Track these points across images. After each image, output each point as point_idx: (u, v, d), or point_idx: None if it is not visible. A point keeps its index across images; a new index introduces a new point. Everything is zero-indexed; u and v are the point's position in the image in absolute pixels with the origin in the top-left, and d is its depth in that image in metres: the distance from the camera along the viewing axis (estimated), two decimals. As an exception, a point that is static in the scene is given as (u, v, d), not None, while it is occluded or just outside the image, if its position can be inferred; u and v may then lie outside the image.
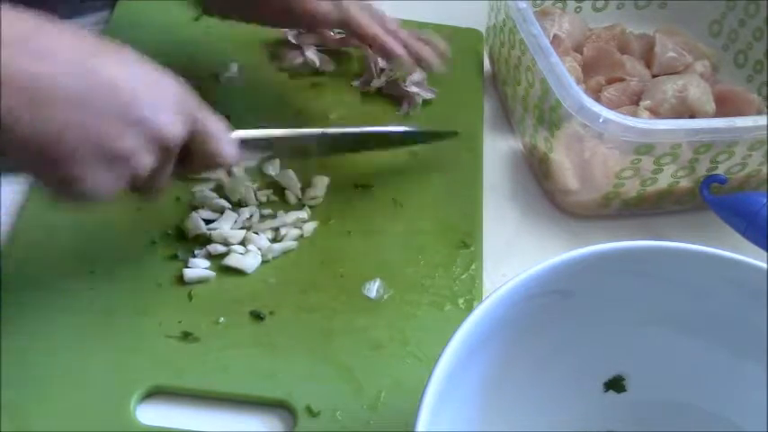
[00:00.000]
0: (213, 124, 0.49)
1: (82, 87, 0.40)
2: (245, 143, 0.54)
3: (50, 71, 0.39)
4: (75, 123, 0.40)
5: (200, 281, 0.54)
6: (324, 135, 0.59)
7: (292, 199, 0.60)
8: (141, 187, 0.47)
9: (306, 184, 0.61)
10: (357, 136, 0.62)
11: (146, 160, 0.44)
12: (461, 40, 0.76)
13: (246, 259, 0.55)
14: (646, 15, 0.79)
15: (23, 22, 0.40)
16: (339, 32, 0.71)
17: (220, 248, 0.56)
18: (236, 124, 0.52)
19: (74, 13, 0.68)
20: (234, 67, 0.68)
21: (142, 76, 0.44)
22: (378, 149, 0.63)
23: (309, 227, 0.58)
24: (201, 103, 0.48)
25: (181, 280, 0.54)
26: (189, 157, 0.49)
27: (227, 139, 0.50)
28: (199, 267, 0.55)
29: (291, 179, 0.61)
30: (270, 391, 0.49)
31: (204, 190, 0.59)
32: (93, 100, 0.41)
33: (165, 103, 0.45)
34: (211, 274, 0.55)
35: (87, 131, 0.41)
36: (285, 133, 0.58)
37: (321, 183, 0.61)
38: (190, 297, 0.53)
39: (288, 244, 0.57)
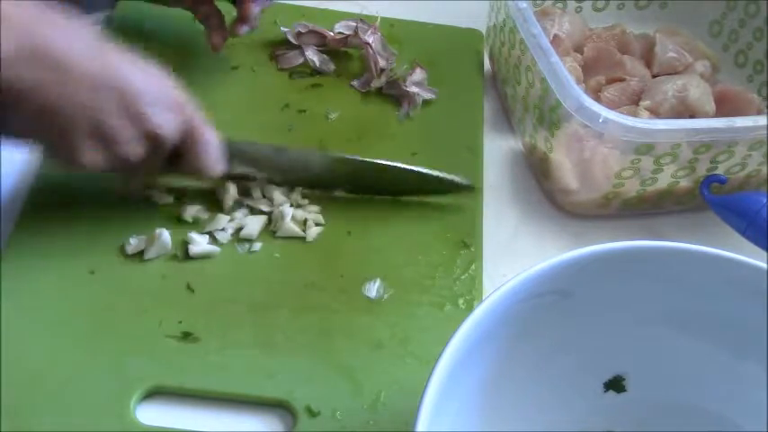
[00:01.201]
0: (205, 134, 0.52)
1: (98, 74, 0.45)
2: (234, 156, 0.55)
3: (77, 55, 0.45)
4: (84, 103, 0.45)
5: (206, 256, 0.55)
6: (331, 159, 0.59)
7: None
8: (128, 173, 0.52)
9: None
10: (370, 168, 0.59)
11: (135, 150, 0.49)
12: (461, 40, 0.76)
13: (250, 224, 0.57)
14: (646, 15, 0.79)
15: (50, 9, 0.45)
16: (339, 33, 0.72)
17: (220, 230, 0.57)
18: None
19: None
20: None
21: (148, 76, 0.49)
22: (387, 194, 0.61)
23: (314, 231, 0.58)
24: (199, 112, 0.52)
25: (181, 277, 0.54)
26: (178, 160, 0.52)
27: (215, 151, 0.53)
28: (201, 243, 0.55)
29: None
30: (270, 391, 0.49)
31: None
32: (104, 87, 0.46)
33: (164, 105, 0.48)
34: (216, 249, 0.56)
35: (92, 112, 0.46)
36: (280, 151, 0.58)
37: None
38: (190, 288, 0.53)
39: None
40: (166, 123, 0.49)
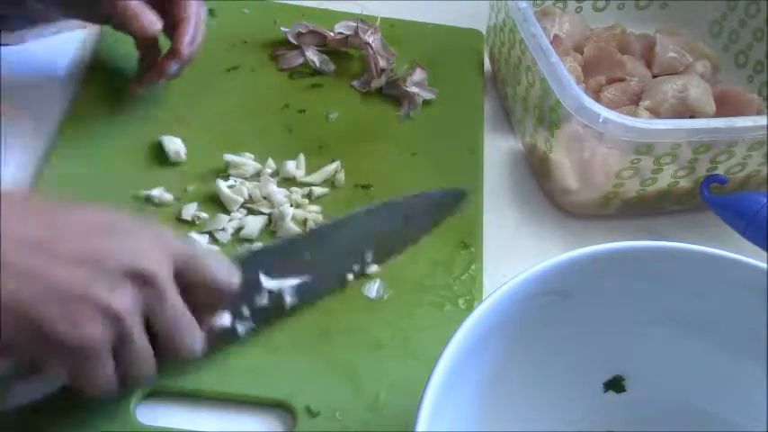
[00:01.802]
0: (207, 259, 0.46)
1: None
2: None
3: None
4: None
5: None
6: None
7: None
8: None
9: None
10: None
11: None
12: (461, 40, 0.76)
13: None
14: (646, 15, 0.79)
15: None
16: (339, 33, 0.72)
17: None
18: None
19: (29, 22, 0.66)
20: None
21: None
22: None
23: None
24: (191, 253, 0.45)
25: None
26: (190, 292, 0.45)
27: (223, 268, 0.47)
28: (201, 243, 0.55)
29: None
30: (270, 391, 0.49)
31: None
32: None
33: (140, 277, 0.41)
34: (216, 249, 0.55)
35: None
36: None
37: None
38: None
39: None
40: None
